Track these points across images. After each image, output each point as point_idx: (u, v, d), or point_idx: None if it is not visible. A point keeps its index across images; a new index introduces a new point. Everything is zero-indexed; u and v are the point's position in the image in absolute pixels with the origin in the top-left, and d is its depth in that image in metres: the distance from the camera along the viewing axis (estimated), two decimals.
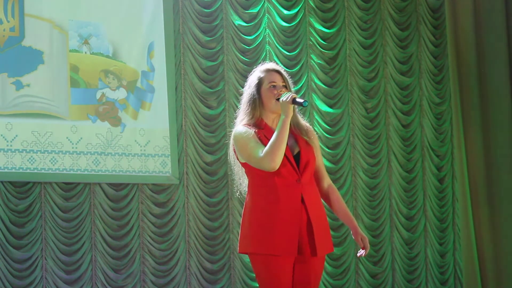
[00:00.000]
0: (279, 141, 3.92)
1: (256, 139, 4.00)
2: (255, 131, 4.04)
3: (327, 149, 8.99)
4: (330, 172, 8.96)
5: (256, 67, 4.22)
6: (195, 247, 8.30)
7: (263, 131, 4.05)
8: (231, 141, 4.13)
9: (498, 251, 9.23)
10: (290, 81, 4.17)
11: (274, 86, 4.08)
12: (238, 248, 4.12)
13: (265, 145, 3.96)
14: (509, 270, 9.15)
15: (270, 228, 3.95)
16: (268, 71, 4.13)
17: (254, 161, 3.98)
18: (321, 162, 4.23)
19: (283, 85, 4.10)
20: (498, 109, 9.30)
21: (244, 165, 4.09)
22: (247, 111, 4.11)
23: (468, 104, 9.41)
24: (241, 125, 4.10)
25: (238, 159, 4.12)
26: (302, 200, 4.01)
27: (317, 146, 4.20)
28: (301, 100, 3.97)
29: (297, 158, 4.05)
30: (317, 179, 4.19)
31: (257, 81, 4.11)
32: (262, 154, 3.93)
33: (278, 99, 4.05)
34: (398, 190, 9.30)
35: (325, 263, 8.75)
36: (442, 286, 9.35)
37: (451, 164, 9.55)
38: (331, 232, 8.86)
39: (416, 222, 9.34)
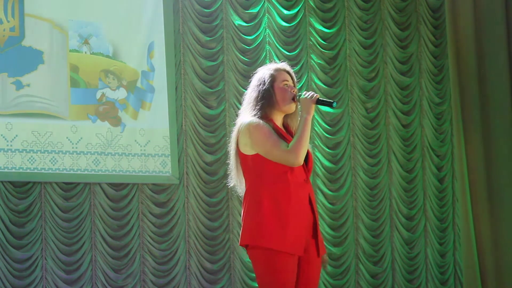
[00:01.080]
0: (305, 137, 3.93)
1: (275, 133, 3.98)
2: (271, 126, 4.01)
3: (327, 149, 8.99)
4: (330, 172, 8.97)
5: (264, 65, 4.20)
6: (195, 247, 8.30)
7: (275, 127, 4.02)
8: (238, 133, 4.03)
9: (498, 251, 9.23)
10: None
11: (287, 85, 4.08)
12: (240, 240, 4.03)
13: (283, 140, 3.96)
14: (509, 270, 9.14)
15: (285, 225, 3.93)
16: (280, 70, 4.12)
17: (278, 154, 3.93)
18: None
19: (294, 86, 4.11)
20: (498, 109, 9.30)
21: (254, 157, 4.00)
22: (258, 106, 4.04)
23: (468, 104, 9.40)
24: (250, 116, 4.03)
25: (240, 150, 4.03)
26: (309, 201, 4.04)
27: None
28: (330, 100, 3.98)
29: (305, 158, 4.05)
30: None
31: (270, 78, 4.07)
32: (289, 148, 3.92)
33: (293, 99, 4.04)
34: (398, 190, 9.30)
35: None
36: (442, 286, 9.34)
37: (451, 164, 9.54)
38: (332, 232, 8.89)
39: (416, 222, 9.33)
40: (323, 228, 8.85)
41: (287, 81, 4.09)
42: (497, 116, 9.29)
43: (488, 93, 9.37)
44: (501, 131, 9.26)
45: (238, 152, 4.06)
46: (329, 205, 8.90)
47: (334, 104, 3.97)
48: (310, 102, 3.96)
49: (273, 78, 4.07)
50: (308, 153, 4.07)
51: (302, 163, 3.95)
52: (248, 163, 4.02)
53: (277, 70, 4.11)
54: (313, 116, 8.74)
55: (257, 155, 3.98)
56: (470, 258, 9.23)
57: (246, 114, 4.07)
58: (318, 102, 3.98)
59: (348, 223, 9.00)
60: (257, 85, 4.09)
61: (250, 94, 4.11)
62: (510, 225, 9.17)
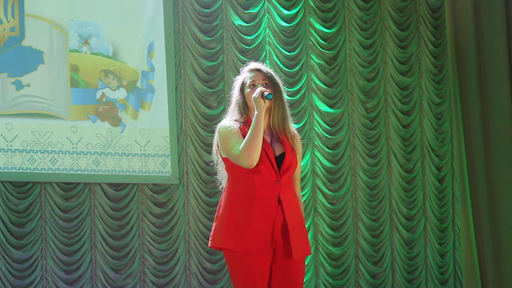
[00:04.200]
0: (254, 137, 3.94)
1: (239, 135, 4.03)
2: (239, 127, 4.07)
3: (327, 149, 8.98)
4: (330, 172, 8.97)
5: (242, 68, 4.25)
6: (195, 247, 8.31)
7: (248, 128, 4.05)
8: (215, 135, 4.16)
9: (498, 251, 9.23)
10: (274, 75, 4.17)
11: (253, 85, 4.12)
12: (209, 243, 4.12)
13: None
14: (509, 270, 9.14)
15: (244, 225, 3.97)
16: (249, 71, 4.20)
17: (233, 157, 4.00)
18: (299, 170, 4.22)
19: (264, 83, 4.11)
20: (498, 109, 9.30)
21: (225, 160, 4.10)
22: (235, 113, 4.16)
23: (468, 104, 9.40)
24: (227, 119, 4.14)
25: (220, 153, 4.14)
26: (279, 201, 4.02)
27: (300, 153, 4.19)
28: (266, 93, 3.98)
29: (280, 159, 4.07)
30: None
31: (240, 84, 4.18)
32: (239, 151, 3.95)
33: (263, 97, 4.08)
34: (398, 190, 9.29)
35: (325, 263, 8.80)
36: (442, 286, 9.34)
37: (451, 164, 9.54)
38: (332, 232, 8.88)
39: (416, 222, 9.33)
40: (323, 228, 8.85)
41: (254, 81, 4.13)
42: (497, 116, 9.29)
43: (488, 93, 9.37)
44: (501, 131, 9.26)
45: (219, 154, 4.15)
46: (329, 205, 8.90)
47: (269, 96, 3.96)
48: (257, 99, 3.98)
49: (243, 82, 4.17)
50: (285, 155, 4.07)
51: (254, 164, 3.94)
52: (225, 165, 4.13)
53: (246, 72, 4.20)
54: (314, 116, 8.88)
55: (227, 158, 4.08)
56: (470, 258, 9.23)
57: (227, 115, 4.19)
58: (262, 96, 4.00)
59: (348, 223, 8.99)
60: (233, 91, 4.22)
61: (231, 100, 4.23)
62: (510, 225, 9.17)
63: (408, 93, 9.48)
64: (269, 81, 4.12)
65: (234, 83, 4.23)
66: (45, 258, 7.70)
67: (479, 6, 9.44)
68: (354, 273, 9.00)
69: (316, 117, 8.98)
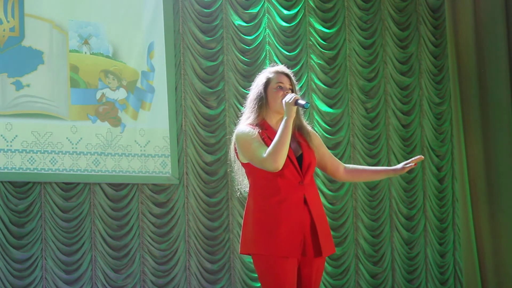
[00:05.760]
0: (282, 141, 3.93)
1: (259, 140, 4.01)
2: (258, 132, 4.04)
3: None
4: None
5: (265, 68, 4.25)
6: (195, 247, 8.31)
7: (266, 132, 4.05)
8: (233, 140, 4.12)
9: (498, 251, 9.23)
10: (297, 86, 4.18)
11: (281, 87, 4.10)
12: (239, 249, 4.12)
13: (268, 146, 3.96)
14: (509, 270, 9.14)
15: (274, 229, 3.97)
16: (277, 72, 4.15)
17: (257, 162, 3.98)
18: (330, 153, 4.35)
19: (290, 89, 4.11)
20: (498, 109, 9.30)
21: (246, 165, 4.09)
22: (253, 109, 4.12)
23: (468, 104, 9.40)
24: (244, 124, 4.11)
25: (239, 159, 4.12)
26: (305, 201, 4.05)
27: (320, 143, 4.26)
28: (303, 102, 3.96)
29: (300, 160, 4.08)
30: (335, 169, 4.38)
31: (265, 81, 4.13)
32: (265, 155, 3.93)
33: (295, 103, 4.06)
34: (398, 190, 9.30)
35: (325, 263, 8.80)
36: (442, 286, 9.35)
37: (451, 164, 9.54)
38: (332, 233, 8.86)
39: (416, 222, 9.34)
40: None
41: (282, 83, 4.11)
42: (497, 116, 9.29)
43: (488, 93, 9.36)
44: (501, 131, 9.26)
45: (238, 159, 4.13)
46: (329, 205, 8.90)
47: (306, 105, 3.96)
48: (290, 105, 3.97)
49: (267, 80, 4.13)
50: (303, 155, 4.09)
51: (280, 168, 3.94)
52: (246, 170, 4.11)
53: (274, 73, 4.15)
54: (314, 116, 8.88)
55: (249, 163, 4.07)
56: (470, 258, 9.23)
57: (242, 119, 4.16)
58: (296, 103, 3.98)
59: (348, 223, 9.00)
60: (254, 88, 4.17)
61: (249, 96, 4.19)
62: (510, 225, 9.17)
63: (408, 93, 9.48)
64: (293, 88, 4.13)
65: (256, 79, 4.20)
66: (45, 258, 7.70)
67: (479, 6, 9.44)
68: (354, 273, 9.01)
69: (316, 117, 8.98)
